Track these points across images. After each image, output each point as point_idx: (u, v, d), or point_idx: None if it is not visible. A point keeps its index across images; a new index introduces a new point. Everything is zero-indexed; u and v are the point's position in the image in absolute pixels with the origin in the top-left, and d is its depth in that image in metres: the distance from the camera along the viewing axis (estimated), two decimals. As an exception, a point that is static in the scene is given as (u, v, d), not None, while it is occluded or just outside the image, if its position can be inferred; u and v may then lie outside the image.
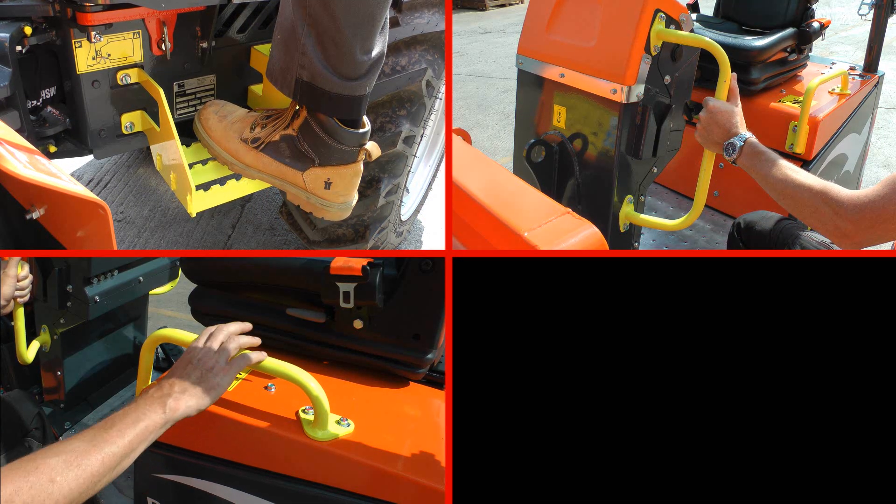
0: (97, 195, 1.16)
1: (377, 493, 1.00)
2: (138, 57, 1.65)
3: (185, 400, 0.97)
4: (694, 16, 2.49)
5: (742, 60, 2.28)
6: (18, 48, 1.44)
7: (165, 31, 1.67)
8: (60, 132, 1.64)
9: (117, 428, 0.90)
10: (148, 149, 1.84)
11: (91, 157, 1.75)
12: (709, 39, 1.46)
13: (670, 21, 1.53)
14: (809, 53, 2.53)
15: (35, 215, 1.23)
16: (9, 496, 0.76)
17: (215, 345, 1.06)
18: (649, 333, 1.19)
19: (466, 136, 1.77)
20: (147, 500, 1.14)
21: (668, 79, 1.59)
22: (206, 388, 1.00)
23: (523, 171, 1.73)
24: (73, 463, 0.83)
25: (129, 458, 0.90)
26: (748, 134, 1.37)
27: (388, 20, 1.54)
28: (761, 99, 2.35)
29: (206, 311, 1.34)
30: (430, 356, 1.22)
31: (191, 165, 1.69)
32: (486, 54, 7.26)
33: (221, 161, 1.66)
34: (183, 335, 1.11)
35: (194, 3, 1.64)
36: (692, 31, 1.56)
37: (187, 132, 1.77)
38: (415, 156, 2.32)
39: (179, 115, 1.83)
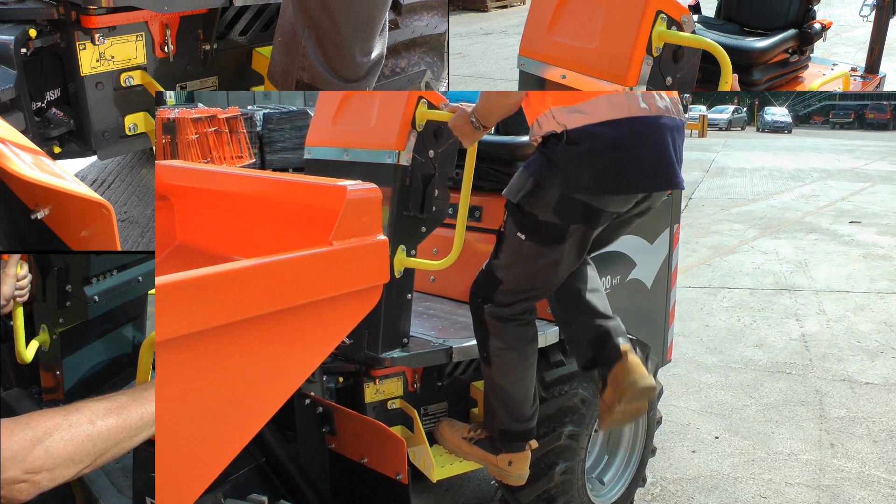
0: (101, 196, 1.16)
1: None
2: (141, 59, 1.66)
3: None
4: (696, 17, 2.49)
5: (744, 61, 2.28)
6: (23, 50, 1.45)
7: (168, 33, 1.68)
8: (65, 133, 1.66)
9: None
10: (151, 150, 1.85)
11: (95, 157, 1.76)
12: (710, 41, 1.47)
13: (672, 22, 1.53)
14: (811, 55, 2.53)
15: (40, 215, 1.24)
16: (48, 430, 0.78)
17: None
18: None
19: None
20: (146, 500, 1.14)
21: (669, 80, 1.59)
22: None
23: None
24: (114, 411, 0.86)
25: None
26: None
27: (387, 23, 1.55)
28: (763, 100, 2.35)
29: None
30: None
31: None
32: (487, 56, 7.27)
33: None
34: (184, 335, 1.11)
35: (197, 6, 1.65)
36: (694, 32, 1.56)
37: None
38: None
39: (182, 116, 1.84)
